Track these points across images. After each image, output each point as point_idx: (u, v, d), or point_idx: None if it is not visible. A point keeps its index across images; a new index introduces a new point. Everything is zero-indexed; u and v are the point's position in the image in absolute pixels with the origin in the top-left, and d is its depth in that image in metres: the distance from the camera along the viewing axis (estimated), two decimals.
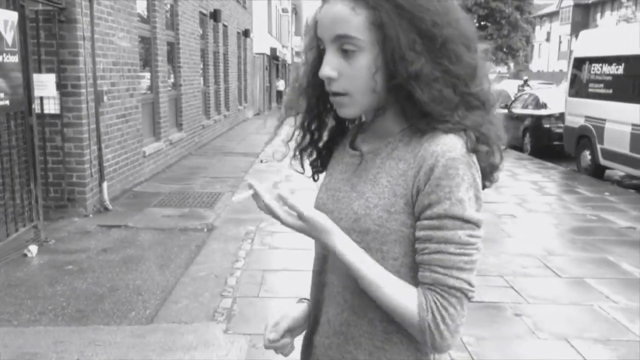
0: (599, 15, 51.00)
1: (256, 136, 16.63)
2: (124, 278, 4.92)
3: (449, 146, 1.08)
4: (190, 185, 8.93)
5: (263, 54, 29.16)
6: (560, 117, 12.01)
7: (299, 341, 1.37)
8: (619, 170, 10.12)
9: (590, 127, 10.20)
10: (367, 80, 1.13)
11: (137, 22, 8.95)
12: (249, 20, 23.58)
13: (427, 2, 1.11)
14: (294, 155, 1.38)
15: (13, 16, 5.37)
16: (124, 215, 6.96)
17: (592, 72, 10.40)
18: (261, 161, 11.55)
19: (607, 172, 10.45)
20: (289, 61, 46.68)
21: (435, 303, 1.07)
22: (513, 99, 15.72)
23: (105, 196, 7.20)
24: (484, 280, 4.92)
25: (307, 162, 1.40)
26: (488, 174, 1.18)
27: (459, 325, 1.08)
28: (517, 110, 14.18)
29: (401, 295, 1.09)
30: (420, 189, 1.09)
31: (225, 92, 17.66)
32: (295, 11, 50.14)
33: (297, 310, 1.37)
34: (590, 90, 10.41)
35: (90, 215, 6.86)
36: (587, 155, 10.47)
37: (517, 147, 13.77)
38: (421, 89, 1.10)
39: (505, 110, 14.45)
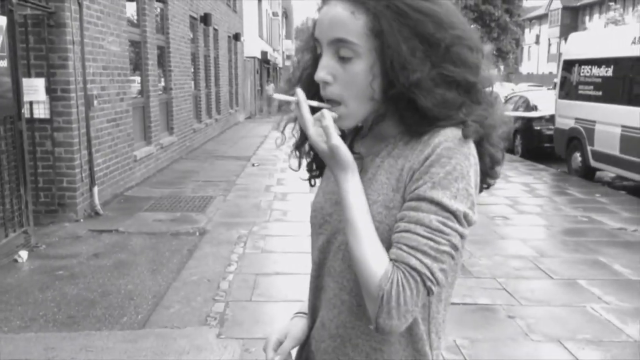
0: (587, 17, 51.39)
1: (247, 140, 16.61)
2: (116, 283, 4.89)
3: (447, 137, 1.07)
4: (182, 189, 8.90)
5: (254, 58, 29.15)
6: (551, 119, 12.07)
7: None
8: (609, 172, 10.18)
9: (581, 129, 10.25)
10: (363, 87, 1.11)
11: (127, 26, 8.92)
12: (239, 23, 23.57)
13: (428, 6, 1.09)
14: (291, 153, 1.35)
15: (2, 20, 5.34)
16: (115, 219, 6.92)
17: (581, 74, 10.46)
18: (253, 165, 11.52)
19: (598, 173, 10.50)
20: (280, 65, 46.68)
21: (398, 278, 1.02)
22: (503, 101, 15.77)
23: (96, 201, 7.16)
24: (477, 283, 4.93)
25: (304, 163, 1.37)
26: (489, 169, 1.18)
27: (409, 311, 1.03)
28: (508, 112, 14.21)
29: (374, 258, 1.05)
30: (413, 177, 1.08)
31: (217, 96, 17.63)
32: (286, 15, 50.21)
33: (298, 328, 1.35)
34: (580, 92, 10.46)
35: (81, 220, 6.82)
36: (577, 157, 10.52)
37: (508, 149, 13.77)
38: (424, 96, 1.08)
39: None
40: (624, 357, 3.70)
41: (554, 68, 45.06)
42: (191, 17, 13.86)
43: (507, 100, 15.38)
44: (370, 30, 1.09)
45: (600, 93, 9.81)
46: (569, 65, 10.99)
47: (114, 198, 7.99)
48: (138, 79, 9.85)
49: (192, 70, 14.21)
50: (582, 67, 10.42)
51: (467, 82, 1.11)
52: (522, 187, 9.45)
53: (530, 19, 58.79)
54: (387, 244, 1.08)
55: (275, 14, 40.54)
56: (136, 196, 8.29)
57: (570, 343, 3.84)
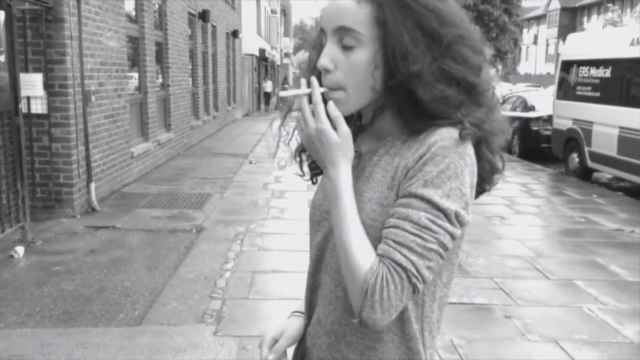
0: (585, 18, 51.48)
1: (245, 137, 16.59)
2: (112, 279, 4.88)
3: (443, 136, 1.06)
4: (179, 186, 8.88)
5: (252, 55, 29.12)
6: (549, 119, 12.08)
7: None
8: (606, 173, 10.19)
9: (578, 129, 10.26)
10: (365, 76, 1.12)
11: (125, 21, 8.90)
12: (237, 20, 23.53)
13: (433, 2, 1.10)
14: (294, 157, 1.35)
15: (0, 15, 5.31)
16: (111, 216, 6.90)
17: (579, 75, 10.47)
18: (250, 162, 11.51)
19: (595, 174, 10.52)
20: (278, 62, 46.64)
21: (383, 273, 1.02)
22: (501, 101, 15.79)
23: (93, 197, 7.14)
24: (474, 282, 4.93)
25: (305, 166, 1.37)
26: (488, 174, 1.17)
27: (393, 306, 1.02)
28: (506, 112, 14.24)
29: (361, 251, 1.05)
30: (407, 175, 1.08)
31: (214, 93, 17.60)
32: (284, 12, 50.17)
33: (294, 327, 1.36)
34: (578, 93, 10.47)
35: (78, 216, 6.80)
36: (575, 157, 10.53)
37: (506, 149, 13.80)
38: (423, 88, 1.08)
39: None
40: (620, 357, 3.71)
41: (551, 68, 45.14)
42: (189, 13, 13.83)
43: (505, 101, 15.39)
44: (374, 20, 1.10)
45: (598, 94, 9.82)
46: (567, 65, 11.00)
47: (111, 194, 7.97)
48: (136, 75, 9.82)
49: (190, 67, 14.19)
50: (580, 67, 10.43)
51: (468, 81, 1.11)
52: (519, 187, 9.46)
53: (529, 20, 58.86)
54: (380, 242, 1.07)
55: (273, 12, 40.50)
56: (133, 193, 8.27)
57: (566, 343, 3.84)
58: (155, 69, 10.73)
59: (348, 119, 1.27)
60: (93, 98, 7.28)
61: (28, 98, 6.36)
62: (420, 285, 1.03)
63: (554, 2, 53.96)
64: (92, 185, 7.15)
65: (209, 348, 3.70)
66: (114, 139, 8.20)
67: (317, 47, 1.22)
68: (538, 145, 12.76)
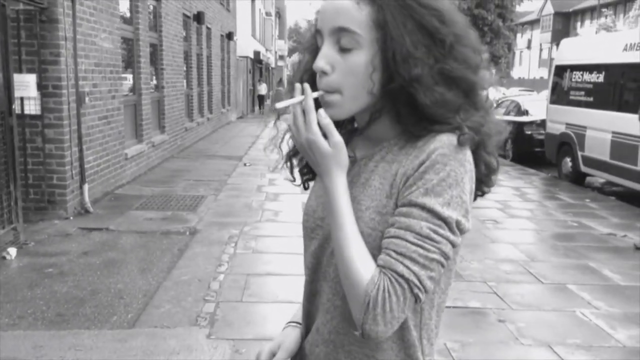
0: (579, 23, 51.72)
1: (239, 139, 16.58)
2: (105, 282, 4.86)
3: (442, 143, 1.05)
4: (173, 188, 8.86)
5: (246, 57, 29.11)
6: (542, 124, 12.13)
7: None
8: (599, 177, 10.24)
9: (571, 134, 10.30)
10: (363, 79, 1.09)
11: (120, 23, 8.88)
12: (232, 23, 23.52)
13: (433, 3, 1.09)
14: (285, 162, 1.32)
15: None
16: (105, 218, 6.88)
17: (573, 79, 10.52)
18: (245, 164, 11.50)
19: (588, 179, 10.57)
20: (273, 65, 46.64)
21: (384, 284, 1.01)
22: (495, 105, 15.82)
23: (86, 198, 7.11)
24: (468, 286, 4.94)
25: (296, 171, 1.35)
26: (484, 176, 1.16)
27: (395, 318, 1.02)
28: (499, 116, 14.24)
29: (362, 263, 1.04)
30: (406, 184, 1.06)
31: (209, 95, 17.58)
32: (279, 15, 50.18)
33: (291, 339, 1.34)
34: (571, 97, 10.52)
35: (71, 218, 6.77)
36: (568, 162, 10.57)
37: (499, 153, 13.83)
38: (424, 92, 1.06)
39: None
40: None
41: (545, 73, 45.30)
42: (184, 15, 13.82)
43: (498, 105, 15.43)
44: (373, 22, 1.08)
45: (591, 99, 9.87)
46: (560, 70, 11.05)
47: (105, 196, 7.94)
48: (130, 76, 9.79)
49: (185, 68, 14.17)
50: (574, 72, 10.48)
51: (468, 80, 1.10)
52: (512, 191, 9.48)
53: (522, 24, 59.09)
54: (379, 251, 1.06)
55: (268, 14, 40.50)
56: (127, 194, 8.25)
57: (559, 347, 3.85)
58: (149, 70, 10.71)
59: (339, 123, 1.25)
60: (87, 99, 7.26)
61: (21, 99, 6.33)
62: (422, 296, 1.03)
63: (548, 7, 54.20)
64: (86, 187, 7.12)
65: (202, 351, 3.69)
66: (108, 140, 8.17)
67: (311, 49, 1.20)
68: (531, 149, 12.81)
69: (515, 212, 7.92)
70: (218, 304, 4.45)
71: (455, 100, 1.08)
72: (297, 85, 1.10)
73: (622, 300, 4.72)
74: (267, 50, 39.17)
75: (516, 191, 9.49)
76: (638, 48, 8.73)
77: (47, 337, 3.84)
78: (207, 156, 12.70)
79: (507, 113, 14.13)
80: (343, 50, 1.10)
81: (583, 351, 3.83)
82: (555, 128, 10.95)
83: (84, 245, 5.83)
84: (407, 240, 1.02)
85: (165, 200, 7.93)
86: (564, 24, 52.61)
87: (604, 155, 9.24)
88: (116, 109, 8.54)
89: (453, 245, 1.04)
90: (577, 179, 10.37)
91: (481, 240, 6.40)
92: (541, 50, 56.55)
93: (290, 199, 8.07)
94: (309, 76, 1.18)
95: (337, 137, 1.08)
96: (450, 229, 1.03)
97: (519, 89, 33.47)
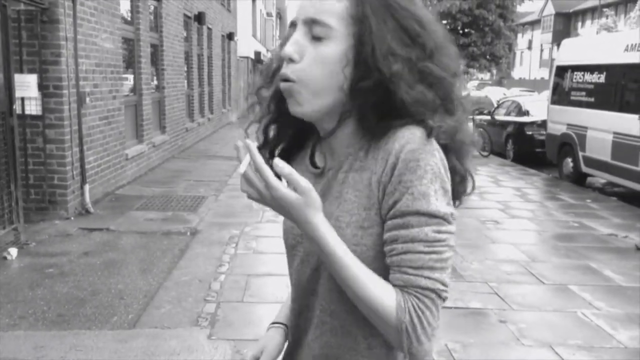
0: (579, 24, 51.72)
1: (240, 139, 16.53)
2: (106, 282, 4.85)
3: (407, 138, 1.02)
4: (174, 188, 8.86)
5: (247, 58, 29.10)
6: (543, 124, 12.12)
7: None
8: (600, 178, 10.22)
9: (573, 134, 10.29)
10: (333, 71, 1.05)
11: (121, 23, 8.87)
12: (233, 23, 23.52)
13: (414, 9, 1.08)
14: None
15: None
16: (105, 218, 6.87)
17: (574, 80, 10.51)
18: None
19: (589, 179, 10.55)
20: None
21: (413, 304, 1.00)
22: (496, 105, 15.84)
23: (87, 199, 7.11)
24: (469, 287, 4.93)
25: None
26: (457, 187, 1.12)
27: (435, 328, 1.02)
28: (500, 117, 14.29)
29: (380, 293, 1.01)
30: (385, 192, 1.03)
31: (209, 95, 17.58)
32: (280, 15, 50.16)
33: (275, 343, 1.34)
34: (572, 98, 10.51)
35: (72, 218, 6.77)
36: (569, 162, 10.56)
37: (500, 153, 13.87)
38: (405, 89, 1.03)
39: (489, 117, 14.58)
40: None
41: (545, 74, 45.31)
42: (185, 15, 13.81)
43: (499, 105, 15.43)
44: (351, 15, 1.05)
45: (592, 99, 9.86)
46: (561, 71, 11.04)
47: (105, 196, 7.94)
48: (131, 77, 9.79)
49: (185, 69, 14.17)
50: (575, 73, 10.47)
51: (447, 84, 1.08)
52: (513, 191, 9.48)
53: (523, 25, 59.07)
54: (371, 265, 1.04)
55: (269, 15, 40.52)
56: (127, 195, 8.24)
57: (561, 348, 3.85)
58: (150, 70, 10.71)
59: (306, 132, 1.21)
60: (88, 99, 7.26)
61: (22, 99, 6.33)
62: (447, 294, 1.03)
63: (549, 7, 54.21)
64: (86, 187, 7.12)
65: (203, 351, 3.69)
66: (109, 140, 8.17)
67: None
68: (532, 149, 12.79)
69: (516, 213, 7.91)
70: (219, 304, 4.45)
71: (435, 101, 1.06)
72: (239, 144, 1.02)
73: (624, 301, 4.71)
74: (268, 50, 39.14)
75: (517, 191, 9.48)
76: (639, 48, 8.72)
77: (48, 337, 3.83)
78: (208, 156, 12.69)
79: (508, 113, 14.14)
80: (315, 38, 1.06)
81: (584, 352, 3.82)
82: (556, 128, 10.94)
83: (85, 246, 5.82)
84: (419, 252, 1.00)
85: (165, 201, 7.93)
86: (565, 25, 52.61)
87: (605, 156, 9.23)
88: (117, 109, 8.54)
89: (454, 234, 1.04)
90: (578, 180, 10.36)
91: (482, 241, 6.40)
92: (542, 50, 56.56)
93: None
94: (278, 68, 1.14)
95: (303, 182, 0.99)
96: (449, 222, 1.02)
97: (520, 90, 33.47)
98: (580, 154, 10.05)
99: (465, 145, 1.11)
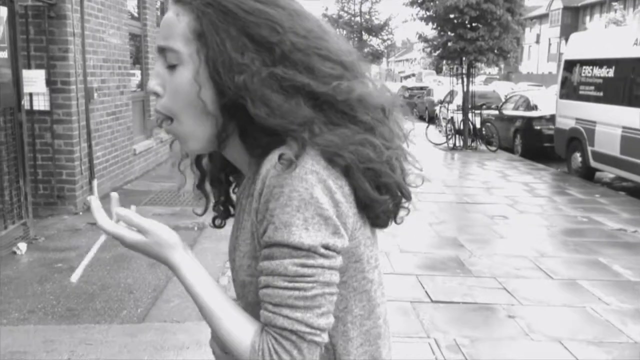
0: (588, 18, 51.40)
1: None
2: (115, 276, 4.87)
3: (272, 162, 0.91)
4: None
5: None
6: (551, 119, 12.07)
7: None
8: (609, 173, 10.18)
9: (581, 129, 10.24)
10: (190, 99, 0.97)
11: (128, 19, 8.89)
12: None
13: (263, 8, 0.95)
14: (196, 186, 1.23)
15: (2, 11, 5.31)
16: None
17: (582, 74, 10.45)
18: None
19: (598, 174, 10.50)
20: None
21: (269, 346, 0.90)
22: (504, 100, 15.78)
23: (95, 194, 7.13)
24: (477, 282, 4.92)
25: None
26: (367, 207, 0.98)
27: None
28: (508, 111, 14.24)
29: (237, 334, 0.94)
30: (258, 219, 0.94)
31: None
32: None
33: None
34: (581, 92, 10.45)
35: (80, 213, 6.79)
36: (577, 157, 10.52)
37: (508, 148, 13.83)
38: (253, 101, 0.92)
39: (497, 112, 14.54)
40: (624, 357, 3.70)
41: (553, 68, 45.12)
42: None
43: (507, 100, 15.38)
44: (192, 32, 0.96)
45: (601, 94, 9.81)
46: (570, 65, 10.98)
47: (113, 191, 7.95)
48: (138, 72, 9.82)
49: None
50: (583, 67, 10.41)
51: (314, 91, 0.94)
52: (522, 186, 9.44)
53: (531, 19, 58.76)
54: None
55: None
56: (135, 190, 8.27)
57: (570, 343, 3.84)
58: None
59: (224, 163, 1.14)
60: (95, 95, 7.27)
61: (30, 95, 6.35)
62: (321, 338, 0.91)
63: (557, 1, 53.88)
64: (95, 182, 7.14)
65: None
66: (117, 136, 8.19)
67: None
68: (540, 144, 12.75)
69: (524, 208, 7.88)
70: None
71: (298, 112, 0.93)
72: (90, 199, 1.03)
73: (633, 296, 4.69)
74: None
75: (525, 186, 9.45)
76: None
77: (58, 331, 3.85)
78: None
79: (516, 108, 14.09)
80: (170, 67, 0.99)
81: (594, 347, 3.81)
82: (565, 123, 10.89)
83: (93, 240, 5.77)
84: (278, 287, 0.90)
85: (173, 196, 7.94)
86: (573, 19, 52.30)
87: (614, 151, 9.18)
88: (124, 105, 8.56)
89: (331, 268, 0.91)
90: (587, 174, 10.31)
91: (490, 236, 6.38)
92: (550, 44, 56.23)
93: None
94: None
95: (145, 223, 0.98)
96: (321, 255, 0.89)
97: (528, 84, 33.36)
98: (589, 148, 10.01)
99: (373, 163, 0.94)
